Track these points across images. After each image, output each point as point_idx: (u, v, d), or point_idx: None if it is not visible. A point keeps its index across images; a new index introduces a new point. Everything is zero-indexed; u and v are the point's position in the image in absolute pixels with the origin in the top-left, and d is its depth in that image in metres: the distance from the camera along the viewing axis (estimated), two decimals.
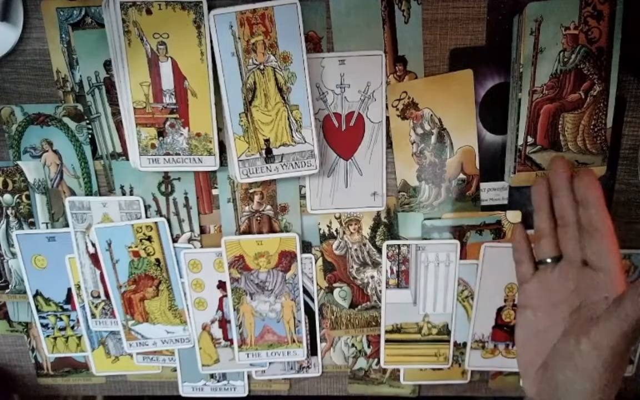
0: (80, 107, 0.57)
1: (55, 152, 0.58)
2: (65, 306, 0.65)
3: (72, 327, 0.66)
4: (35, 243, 0.61)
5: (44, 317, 0.65)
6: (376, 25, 0.54)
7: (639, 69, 0.54)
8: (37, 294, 0.64)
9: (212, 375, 0.68)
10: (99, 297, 0.63)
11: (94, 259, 0.61)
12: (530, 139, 0.54)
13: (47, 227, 0.60)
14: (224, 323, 0.64)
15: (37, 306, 0.64)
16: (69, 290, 0.64)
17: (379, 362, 0.66)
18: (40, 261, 0.62)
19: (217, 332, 0.65)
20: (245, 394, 0.69)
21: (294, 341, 0.65)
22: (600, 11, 0.50)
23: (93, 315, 0.65)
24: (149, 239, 0.60)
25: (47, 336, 0.66)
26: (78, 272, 0.62)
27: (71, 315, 0.65)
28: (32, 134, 0.58)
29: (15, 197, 0.59)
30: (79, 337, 0.66)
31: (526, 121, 0.53)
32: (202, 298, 0.63)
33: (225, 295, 0.63)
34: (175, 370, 0.68)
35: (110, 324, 0.65)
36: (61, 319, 0.65)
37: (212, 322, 0.64)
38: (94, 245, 0.61)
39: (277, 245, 0.60)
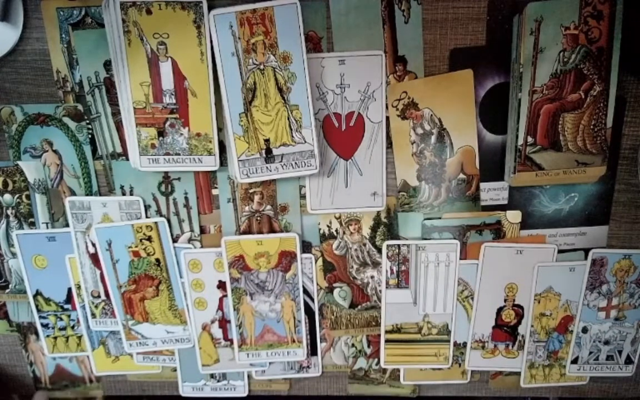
0: (80, 107, 0.57)
1: (55, 152, 0.58)
2: (66, 306, 0.65)
3: (73, 327, 0.66)
4: (36, 243, 0.61)
5: (44, 317, 0.65)
6: (376, 25, 0.54)
7: (639, 69, 0.54)
8: (37, 293, 0.64)
9: (212, 375, 0.68)
10: (99, 297, 0.63)
11: (94, 259, 0.61)
12: (530, 139, 0.54)
13: (47, 227, 0.60)
14: (224, 323, 0.64)
15: (37, 306, 0.64)
16: (69, 290, 0.64)
17: (379, 362, 0.66)
18: (41, 261, 0.62)
19: (217, 332, 0.65)
20: (245, 394, 0.69)
21: (294, 341, 0.65)
22: (600, 11, 0.50)
23: (93, 315, 0.65)
24: (149, 239, 0.60)
25: (47, 336, 0.66)
26: (78, 272, 0.62)
27: (71, 315, 0.65)
28: (32, 134, 0.58)
29: (16, 197, 0.59)
30: (79, 337, 0.66)
31: (526, 121, 0.53)
32: (202, 298, 0.63)
33: (225, 295, 0.63)
34: (175, 370, 0.68)
35: (111, 324, 0.65)
36: (61, 319, 0.65)
37: (212, 322, 0.64)
38: (94, 245, 0.61)
39: (277, 245, 0.60)
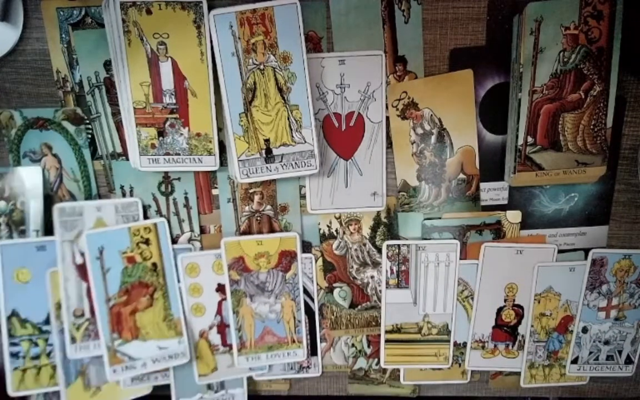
0: (79, 110, 0.57)
1: (55, 155, 0.58)
2: (45, 328, 0.59)
3: (49, 354, 0.60)
4: (22, 254, 0.57)
5: (15, 344, 0.59)
6: (376, 25, 0.54)
7: (639, 69, 0.54)
8: (12, 314, 0.58)
9: (209, 386, 0.65)
10: (82, 316, 0.59)
11: (81, 270, 0.58)
12: (530, 139, 0.54)
13: (37, 235, 0.57)
14: (222, 328, 0.63)
15: (9, 330, 0.58)
16: None
17: (379, 362, 0.66)
18: (24, 275, 0.58)
19: (215, 338, 0.64)
20: None
21: (294, 341, 0.64)
22: (600, 11, 0.50)
23: (73, 340, 0.59)
24: (147, 241, 0.59)
25: (15, 369, 0.59)
26: (60, 289, 0.58)
27: (49, 339, 0.59)
28: (31, 138, 0.58)
29: (10, 203, 0.57)
30: (54, 367, 0.60)
31: (526, 121, 0.53)
32: (200, 303, 0.62)
33: (224, 299, 0.62)
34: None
35: (93, 348, 0.59)
36: (36, 345, 0.59)
37: (210, 327, 0.63)
38: (82, 255, 0.58)
39: (277, 245, 0.60)
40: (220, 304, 0.63)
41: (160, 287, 0.60)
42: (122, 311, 0.59)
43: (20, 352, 0.59)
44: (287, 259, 0.61)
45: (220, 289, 0.62)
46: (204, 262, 0.61)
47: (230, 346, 0.64)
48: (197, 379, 0.64)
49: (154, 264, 0.59)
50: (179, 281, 0.61)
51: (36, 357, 0.60)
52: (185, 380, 0.64)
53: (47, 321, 0.59)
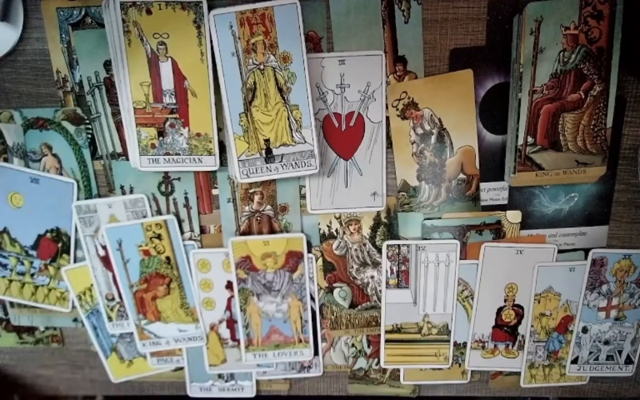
0: (79, 110, 0.57)
1: (55, 155, 0.58)
2: (31, 252, 0.62)
3: (32, 275, 0.63)
4: (16, 179, 0.59)
5: (4, 257, 0.62)
6: (376, 25, 0.54)
7: (639, 69, 0.54)
8: (4, 230, 0.61)
9: (220, 376, 0.68)
10: (113, 299, 0.64)
11: (105, 261, 0.61)
12: (530, 139, 0.54)
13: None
14: (231, 323, 0.64)
15: (0, 244, 0.62)
16: (39, 237, 0.61)
17: (379, 362, 0.66)
18: (17, 199, 0.59)
19: (225, 332, 0.65)
20: (253, 395, 0.69)
21: (300, 341, 0.65)
22: (600, 11, 0.50)
23: (110, 318, 0.64)
24: (159, 237, 0.60)
25: (3, 277, 0.63)
26: (91, 276, 0.62)
27: (34, 263, 0.63)
28: (31, 138, 0.58)
29: None
30: (36, 287, 0.64)
31: (526, 121, 0.53)
32: (211, 298, 0.63)
33: (233, 296, 0.63)
34: (176, 370, 0.68)
35: (127, 325, 0.65)
36: (22, 264, 0.63)
37: (220, 322, 0.64)
38: (104, 247, 0.61)
39: (284, 245, 0.60)
40: (229, 300, 0.63)
41: (175, 278, 0.62)
42: (144, 297, 0.63)
43: (8, 265, 0.63)
44: (293, 259, 0.61)
45: (230, 286, 0.63)
46: (214, 259, 0.61)
47: (239, 341, 0.65)
48: (207, 368, 0.67)
49: (168, 258, 0.61)
50: (191, 275, 0.62)
51: (21, 273, 0.63)
52: (199, 366, 0.67)
53: (34, 247, 0.62)
